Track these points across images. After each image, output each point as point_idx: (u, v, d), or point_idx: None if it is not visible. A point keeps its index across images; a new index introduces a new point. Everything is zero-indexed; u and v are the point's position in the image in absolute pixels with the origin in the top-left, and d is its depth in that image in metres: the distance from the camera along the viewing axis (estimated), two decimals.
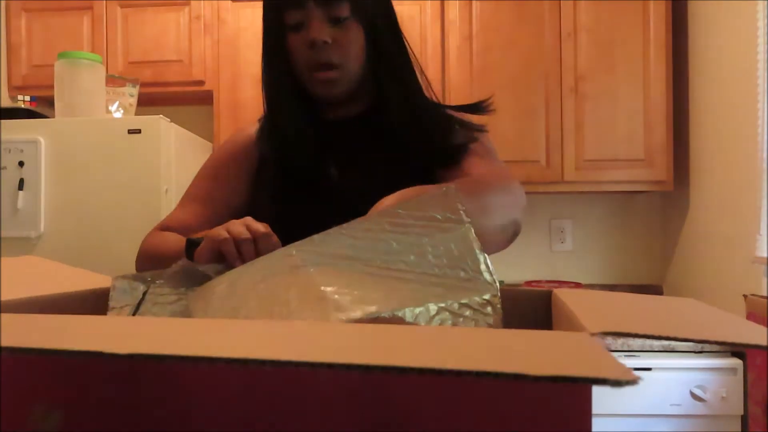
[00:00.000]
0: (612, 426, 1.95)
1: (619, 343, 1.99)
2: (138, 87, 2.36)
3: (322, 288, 0.50)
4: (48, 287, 0.62)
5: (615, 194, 2.69)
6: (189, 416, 0.33)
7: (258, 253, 0.68)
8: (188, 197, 1.04)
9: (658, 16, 2.38)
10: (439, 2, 2.46)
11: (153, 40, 2.58)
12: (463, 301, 0.49)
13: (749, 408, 1.89)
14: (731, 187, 2.09)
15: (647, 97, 2.39)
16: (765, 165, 1.87)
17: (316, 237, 0.56)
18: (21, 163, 2.08)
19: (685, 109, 2.45)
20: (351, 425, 0.31)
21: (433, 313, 0.48)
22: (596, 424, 1.94)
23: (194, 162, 2.34)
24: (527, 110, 2.39)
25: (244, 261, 0.67)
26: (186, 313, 0.62)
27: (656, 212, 2.73)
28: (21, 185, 2.08)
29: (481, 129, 1.00)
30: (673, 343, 2.00)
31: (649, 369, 1.94)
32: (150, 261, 0.91)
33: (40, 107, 2.47)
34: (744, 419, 1.92)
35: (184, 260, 0.67)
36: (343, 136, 0.99)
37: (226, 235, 0.68)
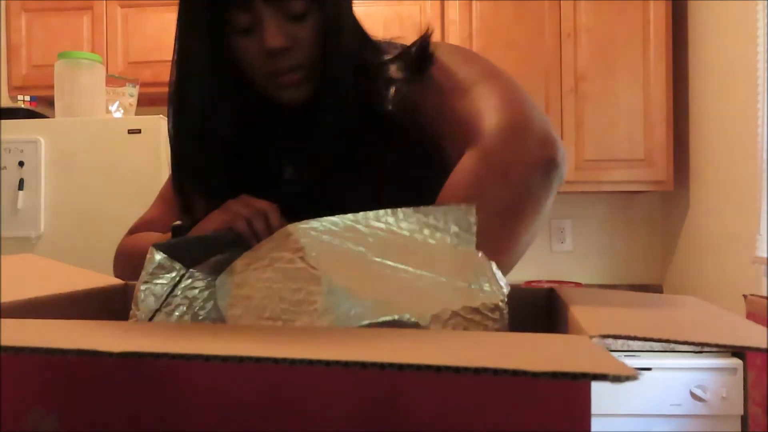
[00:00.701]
0: (612, 426, 1.95)
1: (619, 343, 1.99)
2: (138, 87, 2.36)
3: (329, 283, 0.49)
4: (46, 287, 0.62)
5: (615, 194, 2.70)
6: (187, 418, 0.33)
7: (271, 229, 0.64)
8: (159, 198, 0.97)
9: (658, 16, 2.38)
10: (439, 2, 2.46)
11: (153, 40, 2.58)
12: (474, 306, 0.49)
13: (749, 408, 1.90)
14: (731, 187, 2.09)
15: (647, 97, 2.39)
16: (765, 165, 1.87)
17: (322, 219, 0.55)
18: (21, 163, 2.08)
19: (685, 109, 2.45)
20: (353, 423, 0.31)
21: (446, 317, 0.48)
22: (596, 424, 1.94)
23: None
24: None
25: (259, 239, 0.64)
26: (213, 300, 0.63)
27: (656, 212, 2.73)
28: (21, 185, 2.08)
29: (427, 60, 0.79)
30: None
31: (649, 369, 1.94)
32: (128, 264, 0.84)
33: (40, 107, 2.47)
34: (744, 419, 1.92)
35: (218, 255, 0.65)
36: (291, 123, 0.82)
37: (235, 212, 0.65)
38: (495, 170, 0.66)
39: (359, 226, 0.55)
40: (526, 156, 0.66)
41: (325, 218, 0.55)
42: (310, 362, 0.24)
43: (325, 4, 0.75)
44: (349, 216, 0.55)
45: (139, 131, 2.06)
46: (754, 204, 1.93)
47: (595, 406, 1.94)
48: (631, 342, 1.96)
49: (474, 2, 2.42)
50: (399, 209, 0.56)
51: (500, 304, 0.49)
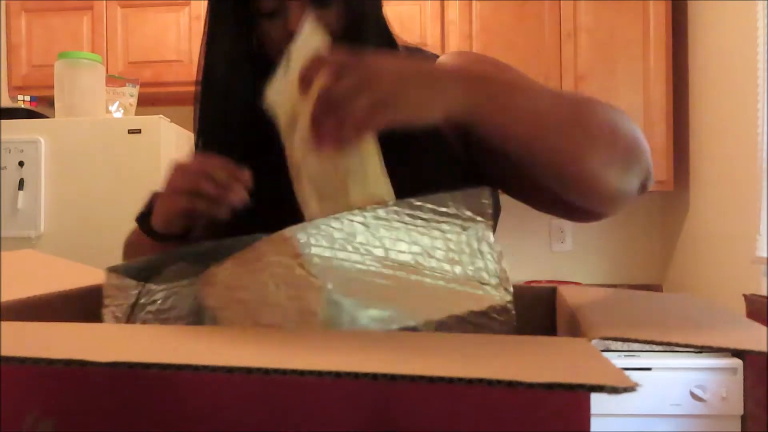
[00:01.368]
0: (612, 426, 1.95)
1: (619, 343, 1.99)
2: (138, 87, 2.36)
3: (329, 293, 0.48)
4: (47, 284, 0.62)
5: None
6: (182, 423, 0.33)
7: (219, 185, 0.65)
8: None
9: (658, 16, 2.38)
10: (439, 2, 2.46)
11: (153, 40, 2.58)
12: (481, 309, 0.48)
13: (749, 408, 1.90)
14: (731, 187, 2.09)
15: (647, 97, 2.38)
16: (765, 165, 1.87)
17: (322, 221, 0.53)
18: (21, 163, 2.08)
19: (685, 109, 2.45)
20: (349, 429, 0.31)
21: (452, 323, 0.47)
22: (596, 424, 1.94)
23: None
24: None
25: (225, 200, 0.65)
26: (185, 304, 0.62)
27: (656, 212, 2.73)
28: (21, 185, 2.07)
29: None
30: None
31: (649, 369, 1.94)
32: (138, 253, 0.84)
33: (40, 107, 2.47)
34: (744, 419, 1.92)
35: (173, 263, 0.65)
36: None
37: (194, 175, 0.66)
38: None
39: (363, 226, 0.53)
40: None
41: (327, 219, 0.53)
42: (302, 373, 0.24)
43: None
44: (355, 212, 0.53)
45: (139, 131, 2.06)
46: (754, 204, 1.92)
47: (595, 407, 1.94)
48: (631, 342, 1.96)
49: (474, 2, 2.42)
50: (409, 199, 0.54)
51: (508, 305, 0.49)
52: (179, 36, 2.57)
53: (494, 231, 0.58)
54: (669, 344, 0.29)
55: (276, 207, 0.75)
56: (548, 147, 0.63)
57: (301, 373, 0.23)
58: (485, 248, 0.53)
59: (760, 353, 0.28)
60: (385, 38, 0.82)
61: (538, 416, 0.29)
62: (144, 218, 0.76)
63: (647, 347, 1.95)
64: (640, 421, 1.95)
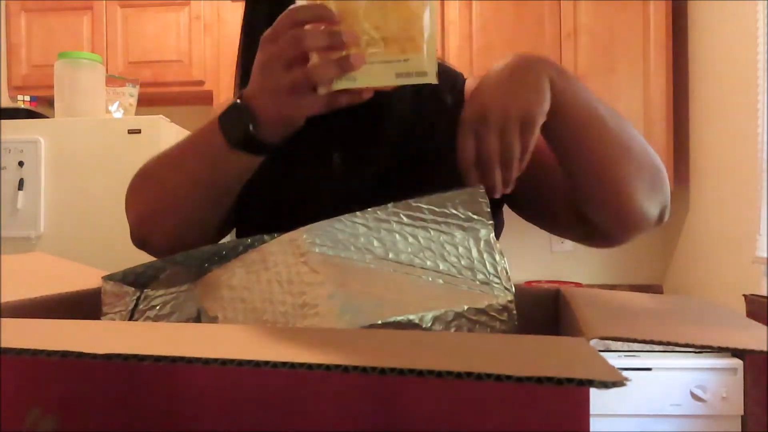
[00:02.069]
0: (612, 426, 1.95)
1: (619, 343, 1.99)
2: (138, 87, 2.36)
3: (331, 287, 0.49)
4: (53, 286, 0.62)
5: None
6: (184, 418, 0.33)
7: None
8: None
9: (658, 16, 2.38)
10: (439, 2, 2.46)
11: (153, 40, 2.58)
12: (480, 306, 0.48)
13: (749, 408, 1.90)
14: (731, 187, 2.09)
15: (647, 97, 2.38)
16: (765, 165, 1.87)
17: (326, 223, 0.54)
18: (21, 163, 2.08)
19: (685, 109, 2.45)
20: (352, 425, 0.31)
21: (450, 319, 0.47)
22: (596, 424, 1.94)
23: None
24: None
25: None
26: (185, 309, 0.62)
27: None
28: (21, 185, 2.07)
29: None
30: None
31: (649, 369, 1.94)
32: (148, 191, 0.73)
33: (40, 107, 2.47)
34: (744, 419, 1.92)
35: (171, 268, 0.63)
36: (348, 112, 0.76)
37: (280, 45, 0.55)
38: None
39: (365, 228, 0.53)
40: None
41: (331, 222, 0.54)
42: (293, 365, 0.24)
43: None
44: (357, 215, 0.54)
45: (139, 131, 2.06)
46: (754, 204, 1.92)
47: (595, 406, 1.94)
48: (631, 342, 1.96)
49: (474, 2, 2.42)
50: (409, 200, 0.55)
51: (509, 304, 0.49)
52: (179, 36, 2.57)
53: (497, 236, 0.59)
54: (669, 344, 0.29)
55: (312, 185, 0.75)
56: (606, 163, 0.65)
57: (292, 365, 0.23)
58: (484, 247, 0.53)
59: (760, 353, 0.28)
60: None
61: (536, 415, 0.29)
62: (240, 137, 0.61)
63: (647, 347, 1.95)
64: (640, 421, 1.95)
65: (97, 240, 2.03)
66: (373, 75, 0.54)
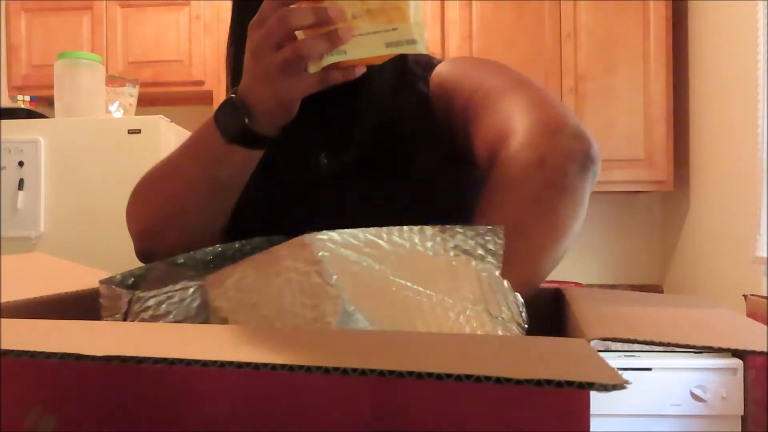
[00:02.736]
0: (612, 426, 1.95)
1: (619, 343, 1.99)
2: (138, 87, 2.36)
3: (345, 303, 0.48)
4: (54, 286, 0.62)
5: (615, 194, 2.69)
6: (186, 420, 0.33)
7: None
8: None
9: (658, 16, 2.38)
10: (439, 2, 2.46)
11: (153, 40, 2.58)
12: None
13: (749, 408, 1.90)
14: (731, 187, 2.09)
15: (647, 97, 2.39)
16: (765, 165, 1.87)
17: (341, 231, 0.52)
18: (21, 163, 2.08)
19: (685, 109, 2.45)
20: (351, 427, 0.31)
21: None
22: (596, 424, 1.94)
23: None
24: None
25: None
26: (182, 306, 0.61)
27: (656, 212, 2.73)
28: (21, 185, 2.07)
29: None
30: None
31: (649, 369, 1.94)
32: (152, 199, 0.73)
33: (40, 107, 2.47)
34: (744, 419, 1.92)
35: (159, 263, 0.62)
36: (331, 105, 0.76)
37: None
38: (531, 159, 0.62)
39: (381, 242, 0.53)
40: (562, 148, 0.64)
41: (345, 230, 0.53)
42: (291, 368, 0.24)
43: None
44: (371, 230, 0.53)
45: (139, 131, 2.06)
46: (754, 204, 1.93)
47: (595, 406, 1.94)
48: (631, 343, 1.96)
49: (474, 2, 2.42)
50: (426, 227, 0.54)
51: (519, 333, 0.49)
52: (179, 36, 2.57)
53: None
54: (669, 344, 0.29)
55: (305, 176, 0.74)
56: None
57: (291, 368, 0.23)
58: (498, 284, 0.53)
59: (760, 353, 0.28)
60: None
61: (536, 416, 0.29)
62: (235, 130, 0.62)
63: (647, 347, 1.95)
64: (640, 421, 1.95)
65: (97, 240, 2.03)
66: (363, 47, 0.54)
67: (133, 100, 2.34)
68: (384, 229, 0.53)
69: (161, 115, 2.09)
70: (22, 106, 2.40)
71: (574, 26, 2.41)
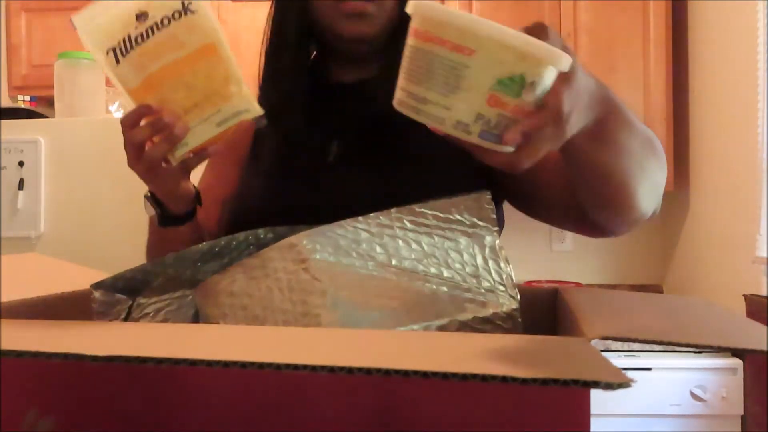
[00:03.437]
0: (612, 426, 1.95)
1: (619, 343, 1.99)
2: None
3: (333, 296, 0.48)
4: (49, 286, 0.62)
5: None
6: (183, 420, 0.33)
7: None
8: (208, 166, 0.97)
9: (658, 16, 2.38)
10: (438, 2, 2.45)
11: None
12: (485, 315, 0.48)
13: (749, 408, 1.90)
14: (731, 187, 2.09)
15: (647, 97, 2.38)
16: (765, 165, 1.87)
17: (327, 228, 0.53)
18: (21, 163, 2.08)
19: (685, 109, 2.45)
20: (352, 426, 0.31)
21: (454, 328, 0.47)
22: (596, 424, 1.94)
23: None
24: None
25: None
26: (178, 316, 0.61)
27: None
28: (21, 185, 2.07)
29: None
30: None
31: (649, 369, 1.94)
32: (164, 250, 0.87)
33: (40, 107, 2.47)
34: (744, 419, 1.92)
35: (162, 272, 0.64)
36: (356, 101, 0.83)
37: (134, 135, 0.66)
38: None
39: (368, 233, 0.53)
40: None
41: (332, 227, 0.53)
42: (296, 367, 0.24)
43: None
44: (359, 220, 0.53)
45: None
46: (754, 204, 1.92)
47: (595, 406, 1.94)
48: (631, 342, 1.96)
49: (474, 2, 2.42)
50: (413, 206, 0.54)
51: (513, 312, 0.48)
52: None
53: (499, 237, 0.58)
54: (669, 344, 0.29)
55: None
56: (619, 177, 0.64)
57: (296, 367, 0.23)
58: (489, 254, 0.53)
59: (760, 353, 0.28)
60: None
61: (537, 416, 0.29)
62: (160, 215, 0.76)
63: (647, 347, 1.95)
64: (640, 421, 1.95)
65: (97, 240, 2.03)
66: (199, 134, 0.65)
67: None
68: (371, 215, 0.53)
69: None
70: (22, 106, 2.40)
71: (574, 26, 2.41)
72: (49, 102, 2.40)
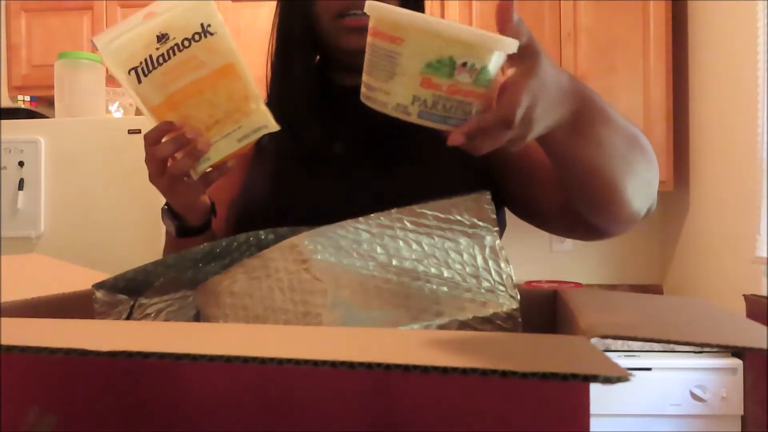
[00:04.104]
0: (612, 426, 1.95)
1: (619, 343, 1.99)
2: None
3: (334, 295, 0.48)
4: (50, 287, 0.62)
5: None
6: (184, 417, 0.33)
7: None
8: None
9: (658, 16, 2.38)
10: (439, 2, 2.46)
11: None
12: (485, 315, 0.48)
13: (749, 408, 1.90)
14: (731, 187, 2.09)
15: (647, 97, 2.38)
16: (765, 165, 1.87)
17: (328, 228, 0.54)
18: (21, 163, 2.08)
19: (685, 109, 2.45)
20: (350, 422, 0.31)
21: (454, 328, 0.47)
22: (596, 424, 1.94)
23: None
24: None
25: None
26: (179, 316, 0.62)
27: (656, 212, 2.73)
28: (21, 185, 2.07)
29: None
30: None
31: (649, 369, 1.94)
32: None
33: (40, 107, 2.47)
34: (744, 419, 1.92)
35: (164, 272, 0.64)
36: (355, 104, 0.87)
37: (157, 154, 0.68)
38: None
39: (368, 234, 0.53)
40: None
41: (333, 227, 0.53)
42: (297, 362, 0.24)
43: None
44: (360, 220, 0.54)
45: (139, 131, 2.06)
46: (754, 204, 1.93)
47: (595, 406, 1.94)
48: (630, 342, 1.96)
49: (474, 2, 2.42)
50: (413, 206, 0.54)
51: (513, 312, 0.48)
52: None
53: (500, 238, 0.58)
54: (669, 342, 0.29)
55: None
56: (603, 173, 0.64)
57: (297, 362, 0.23)
58: (489, 254, 0.53)
59: (759, 351, 0.28)
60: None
61: (537, 415, 0.29)
62: (178, 226, 0.78)
63: (647, 347, 1.95)
64: (640, 421, 1.95)
65: (97, 240, 2.03)
66: (221, 149, 0.68)
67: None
68: (372, 216, 0.54)
69: None
70: (22, 106, 2.40)
71: (574, 26, 2.41)
72: (49, 102, 2.40)
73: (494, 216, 0.55)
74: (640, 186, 0.68)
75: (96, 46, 0.66)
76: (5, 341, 0.26)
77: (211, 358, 0.24)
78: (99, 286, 0.60)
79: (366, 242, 0.52)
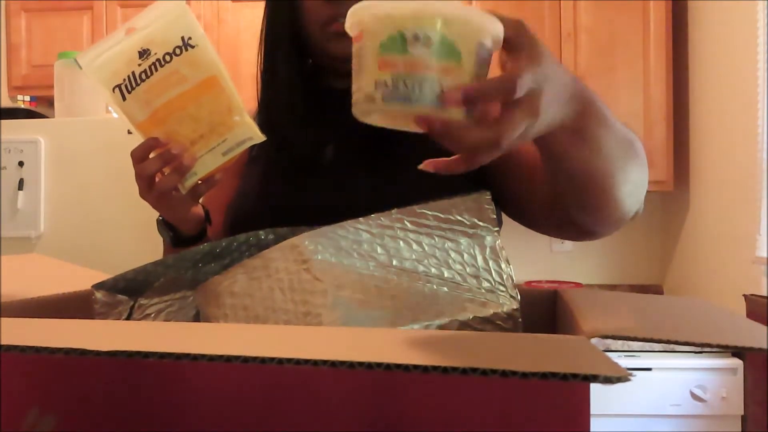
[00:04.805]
0: (612, 426, 1.95)
1: (619, 343, 1.99)
2: None
3: (334, 295, 0.48)
4: (49, 287, 0.62)
5: None
6: (184, 417, 0.33)
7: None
8: None
9: (658, 16, 2.38)
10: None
11: None
12: (485, 315, 0.48)
13: (749, 408, 1.90)
14: (731, 187, 2.09)
15: (647, 97, 2.38)
16: (765, 165, 1.87)
17: (328, 229, 0.54)
18: (21, 163, 2.08)
19: (685, 109, 2.45)
20: (351, 422, 0.31)
21: (454, 328, 0.47)
22: (596, 424, 1.94)
23: None
24: None
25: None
26: (179, 317, 0.62)
27: (656, 212, 2.73)
28: (21, 185, 2.08)
29: None
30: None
31: (649, 369, 1.94)
32: None
33: (40, 107, 2.47)
34: (744, 419, 1.92)
35: (164, 272, 0.65)
36: (347, 107, 0.86)
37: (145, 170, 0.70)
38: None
39: (369, 234, 0.53)
40: None
41: (333, 228, 0.53)
42: (298, 362, 0.24)
43: None
44: (360, 221, 0.53)
45: None
46: (754, 204, 1.93)
47: (595, 406, 1.94)
48: (630, 342, 1.96)
49: (474, 2, 2.42)
50: (414, 206, 0.54)
51: (514, 312, 0.48)
52: None
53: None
54: (669, 342, 0.29)
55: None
56: (598, 177, 0.63)
57: (297, 362, 0.23)
58: (490, 254, 0.53)
59: (759, 350, 0.28)
60: None
61: (537, 410, 0.29)
62: (172, 237, 0.79)
63: (647, 347, 1.95)
64: (640, 421, 1.95)
65: (97, 240, 2.03)
66: (207, 164, 0.69)
67: None
68: (372, 216, 0.54)
69: None
70: (22, 106, 2.40)
71: (574, 26, 2.41)
72: (49, 102, 2.40)
73: (494, 216, 0.55)
74: (632, 190, 0.68)
75: (79, 65, 0.66)
76: (5, 341, 0.26)
77: (212, 358, 0.24)
78: (99, 286, 0.60)
79: (366, 242, 0.52)
